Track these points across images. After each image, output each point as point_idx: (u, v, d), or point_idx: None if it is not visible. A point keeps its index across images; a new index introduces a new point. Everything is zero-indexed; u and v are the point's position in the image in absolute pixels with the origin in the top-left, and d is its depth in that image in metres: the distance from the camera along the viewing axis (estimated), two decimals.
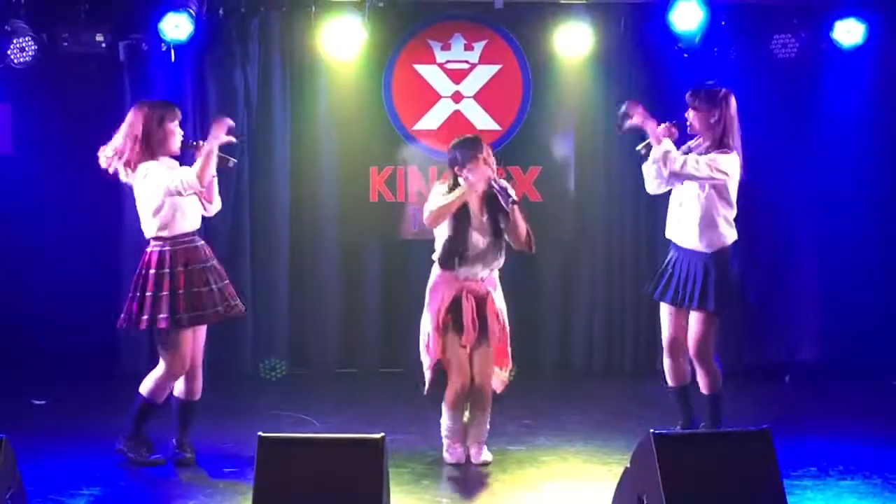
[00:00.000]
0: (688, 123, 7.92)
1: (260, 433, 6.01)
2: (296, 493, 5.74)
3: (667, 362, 8.12)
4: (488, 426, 7.87)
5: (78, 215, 10.29)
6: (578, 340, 10.86)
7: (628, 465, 6.30)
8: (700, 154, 7.80)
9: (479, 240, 7.75)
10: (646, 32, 10.35)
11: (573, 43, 10.10)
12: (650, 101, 10.38)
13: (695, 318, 7.85)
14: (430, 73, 10.66)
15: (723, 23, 10.08)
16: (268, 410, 9.26)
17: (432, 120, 10.66)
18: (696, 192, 7.81)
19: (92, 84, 10.22)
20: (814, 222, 10.67)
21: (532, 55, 10.64)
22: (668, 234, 8.08)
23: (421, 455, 7.97)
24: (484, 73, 10.68)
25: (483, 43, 10.66)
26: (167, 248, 7.54)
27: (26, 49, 9.65)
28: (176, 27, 9.70)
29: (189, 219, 7.62)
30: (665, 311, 8.03)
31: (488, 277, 7.84)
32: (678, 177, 7.76)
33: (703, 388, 7.99)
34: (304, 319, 10.78)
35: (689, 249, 7.87)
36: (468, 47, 10.67)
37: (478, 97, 10.68)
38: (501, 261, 7.88)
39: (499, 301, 7.88)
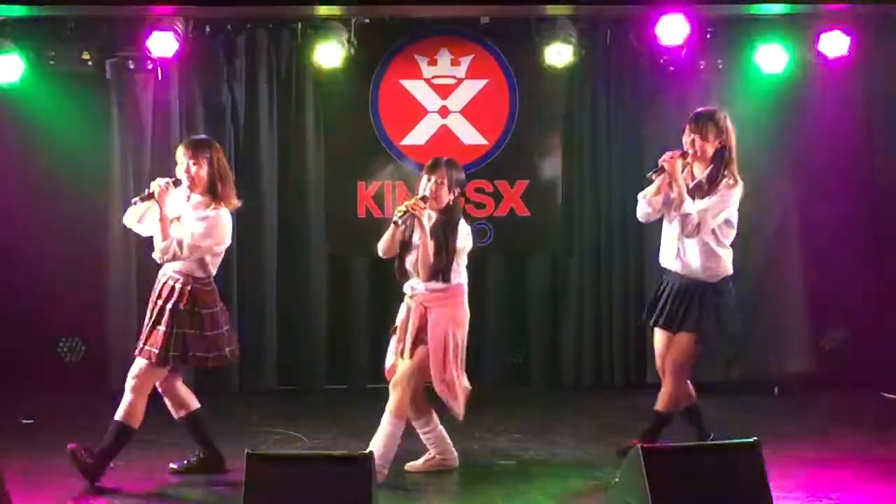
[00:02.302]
0: (689, 149, 7.86)
1: (248, 450, 6.00)
2: None
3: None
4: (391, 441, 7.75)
5: (64, 234, 10.28)
6: (568, 354, 10.86)
7: (617, 479, 6.31)
8: (702, 184, 7.78)
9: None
10: (631, 46, 10.36)
11: (559, 57, 10.11)
12: (636, 114, 10.49)
13: (681, 339, 7.84)
14: (417, 89, 10.67)
15: (708, 35, 10.11)
16: (256, 427, 9.25)
17: (419, 135, 10.67)
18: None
19: (78, 102, 10.21)
20: (802, 234, 10.66)
21: (518, 69, 10.65)
22: (664, 263, 8.04)
23: (407, 471, 7.95)
24: (471, 88, 10.69)
25: (469, 58, 10.67)
26: None
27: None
28: (162, 45, 9.71)
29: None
30: (659, 337, 8.02)
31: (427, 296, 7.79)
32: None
33: (659, 402, 7.96)
34: (293, 335, 10.76)
35: (687, 277, 7.87)
36: (455, 62, 10.68)
37: (465, 112, 10.69)
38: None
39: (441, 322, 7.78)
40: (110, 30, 10.04)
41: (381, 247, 7.83)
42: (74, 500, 7.32)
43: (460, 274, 7.83)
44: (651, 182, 7.93)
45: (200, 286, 7.63)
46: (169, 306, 7.57)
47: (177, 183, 7.60)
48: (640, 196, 8.02)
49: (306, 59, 10.32)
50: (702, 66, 10.31)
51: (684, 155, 7.84)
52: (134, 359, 7.65)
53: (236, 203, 7.81)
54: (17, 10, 9.65)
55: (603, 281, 10.78)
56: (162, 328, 7.54)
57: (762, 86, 10.36)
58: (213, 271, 7.75)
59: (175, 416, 7.88)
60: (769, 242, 10.70)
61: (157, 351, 7.51)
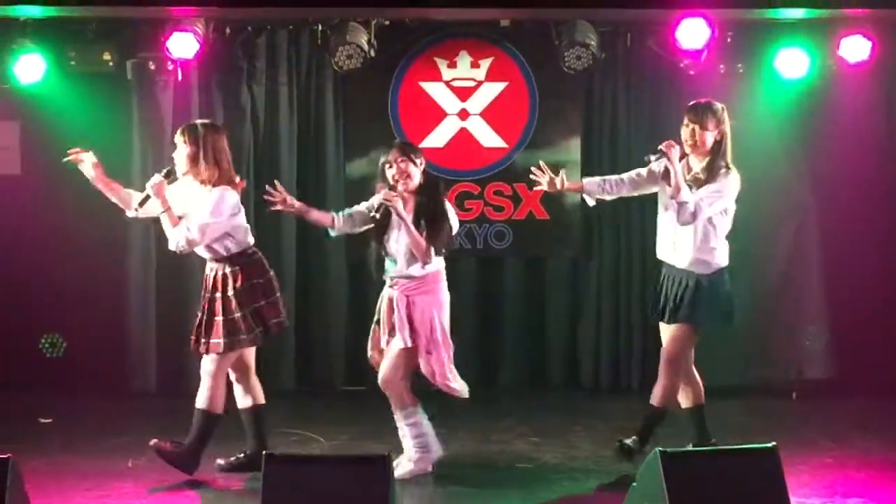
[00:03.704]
0: (686, 140, 7.82)
1: (266, 451, 6.00)
2: None
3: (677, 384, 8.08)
4: (406, 437, 7.83)
5: (86, 235, 10.31)
6: (585, 357, 10.86)
7: (635, 483, 6.30)
8: (698, 176, 7.76)
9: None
10: (651, 49, 10.35)
11: (579, 60, 10.08)
12: (656, 118, 10.47)
13: (674, 330, 7.82)
14: (437, 91, 10.68)
15: (728, 39, 10.09)
16: (274, 428, 9.25)
17: (439, 137, 10.68)
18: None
19: (99, 102, 10.24)
20: (822, 239, 10.64)
21: (538, 72, 10.65)
22: (661, 255, 8.03)
23: (426, 472, 7.95)
24: (490, 91, 10.69)
25: (489, 60, 10.67)
26: None
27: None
28: (182, 46, 9.74)
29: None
30: (663, 329, 8.01)
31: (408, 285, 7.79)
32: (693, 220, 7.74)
33: (654, 397, 7.94)
34: (311, 337, 10.79)
35: (683, 269, 7.84)
36: (474, 65, 10.68)
37: (484, 114, 10.69)
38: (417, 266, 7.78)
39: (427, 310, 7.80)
40: (131, 31, 10.08)
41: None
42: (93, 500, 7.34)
43: (438, 261, 7.80)
44: (648, 164, 7.92)
45: (245, 261, 7.68)
46: (219, 295, 7.63)
47: (168, 174, 7.63)
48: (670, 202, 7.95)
49: (326, 60, 10.33)
50: (722, 71, 10.28)
51: (680, 143, 7.82)
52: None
53: (239, 182, 7.81)
54: (39, 11, 9.69)
55: (622, 284, 10.77)
56: (219, 318, 7.60)
57: (782, 90, 10.35)
58: (250, 241, 7.78)
59: (239, 405, 7.93)
60: (789, 247, 10.69)
61: (221, 341, 7.58)
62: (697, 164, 7.83)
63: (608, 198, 8.18)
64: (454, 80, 10.68)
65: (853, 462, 8.18)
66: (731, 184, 7.74)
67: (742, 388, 10.52)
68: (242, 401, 7.94)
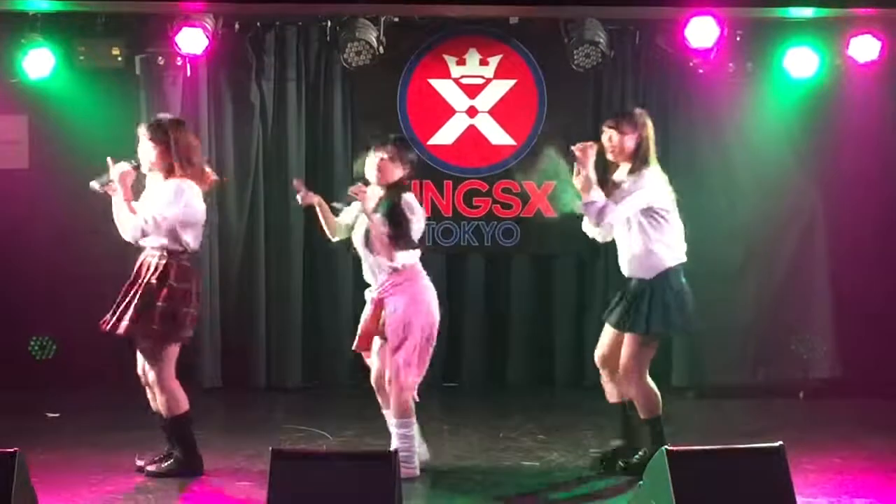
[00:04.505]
0: (607, 143, 7.75)
1: (273, 447, 6.01)
2: None
3: (602, 378, 8.05)
4: (398, 439, 7.74)
5: (93, 229, 10.31)
6: (592, 355, 10.82)
7: (641, 482, 6.30)
8: (623, 181, 7.72)
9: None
10: (661, 47, 10.34)
11: (588, 58, 10.07)
12: (665, 116, 10.47)
13: (628, 339, 7.76)
14: (446, 88, 10.68)
15: (738, 38, 10.08)
16: (281, 424, 9.27)
17: (447, 135, 10.68)
18: (622, 224, 7.73)
19: (108, 98, 10.25)
20: (829, 238, 10.63)
21: (547, 70, 10.64)
22: (622, 269, 7.96)
23: (433, 470, 7.95)
24: (499, 88, 10.69)
25: (498, 58, 10.67)
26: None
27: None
28: (191, 41, 9.74)
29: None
30: (606, 329, 7.95)
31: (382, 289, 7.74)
32: (612, 222, 7.68)
33: (640, 412, 7.89)
34: (318, 333, 10.79)
35: (634, 277, 7.78)
36: (483, 62, 10.68)
37: (493, 112, 10.69)
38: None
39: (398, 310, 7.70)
40: (140, 26, 10.08)
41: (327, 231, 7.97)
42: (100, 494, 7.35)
43: (409, 258, 7.70)
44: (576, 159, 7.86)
45: (175, 260, 7.57)
46: (143, 280, 7.56)
47: (136, 167, 7.59)
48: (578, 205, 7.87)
49: (335, 57, 10.34)
50: (731, 70, 10.27)
51: (601, 147, 7.74)
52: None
53: (209, 177, 7.74)
54: (49, 6, 9.69)
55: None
56: (136, 302, 7.51)
57: (792, 89, 10.33)
58: (194, 246, 7.65)
59: (153, 406, 7.83)
60: (796, 246, 10.68)
61: (127, 324, 7.51)
62: (622, 169, 7.81)
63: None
64: (463, 77, 10.68)
65: (860, 462, 8.17)
66: (646, 180, 7.65)
67: (749, 387, 10.51)
68: (155, 404, 7.80)
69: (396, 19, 10.24)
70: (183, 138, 7.62)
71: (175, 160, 7.55)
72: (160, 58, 10.15)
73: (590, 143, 7.69)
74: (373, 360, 7.89)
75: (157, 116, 7.86)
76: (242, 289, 10.69)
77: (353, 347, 7.97)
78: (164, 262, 7.55)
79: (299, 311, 10.71)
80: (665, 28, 10.18)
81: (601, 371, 8.02)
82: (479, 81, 10.69)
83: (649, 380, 7.82)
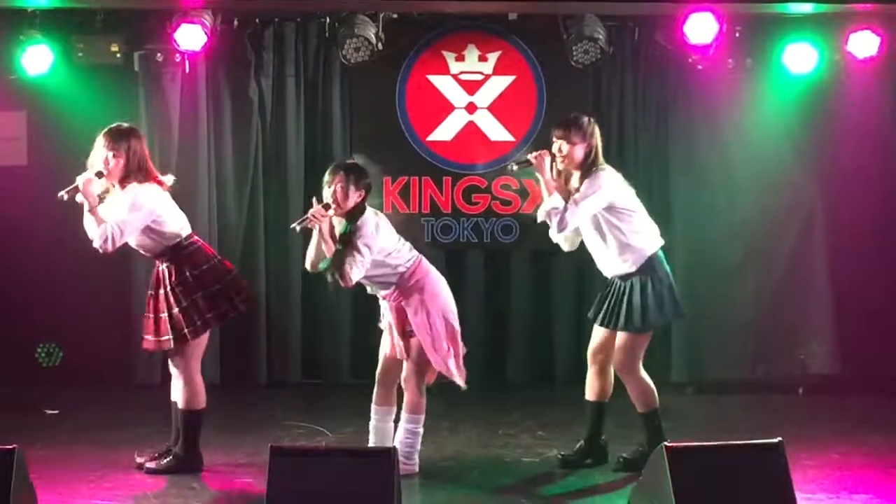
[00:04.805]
0: (558, 153, 7.70)
1: (272, 444, 6.01)
2: None
3: (588, 374, 8.01)
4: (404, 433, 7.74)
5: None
6: None
7: (640, 477, 6.30)
8: (577, 188, 7.66)
9: None
10: (660, 43, 10.34)
11: (587, 54, 10.07)
12: (664, 113, 10.47)
13: (620, 336, 7.74)
14: (445, 84, 10.67)
15: (737, 34, 10.07)
16: (280, 421, 9.27)
17: (446, 131, 10.68)
18: (591, 228, 7.71)
19: (106, 94, 10.24)
20: (828, 234, 10.63)
21: (546, 66, 10.64)
22: (603, 272, 7.92)
23: (433, 466, 7.95)
24: (498, 84, 10.69)
25: (497, 54, 10.66)
26: None
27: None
28: (190, 38, 9.74)
29: None
30: (596, 328, 7.92)
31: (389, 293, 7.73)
32: (573, 225, 7.64)
33: (637, 406, 7.90)
34: (317, 330, 10.79)
35: (617, 274, 7.73)
36: (482, 58, 10.68)
37: (492, 108, 10.68)
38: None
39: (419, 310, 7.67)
40: (139, 22, 10.10)
41: (308, 260, 7.79)
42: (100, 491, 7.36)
43: (405, 256, 7.65)
44: (513, 171, 7.88)
45: (180, 253, 7.59)
46: (161, 291, 7.58)
47: (100, 175, 7.55)
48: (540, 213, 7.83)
49: (334, 53, 10.33)
50: (730, 65, 10.28)
51: (553, 156, 7.72)
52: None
53: (164, 180, 7.65)
54: (47, 2, 9.70)
55: None
56: (163, 315, 7.55)
57: (791, 85, 10.34)
58: (183, 232, 7.63)
59: (173, 397, 7.83)
60: (795, 242, 10.69)
61: (169, 337, 7.53)
62: (575, 177, 7.78)
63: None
64: (462, 73, 10.68)
65: (859, 458, 8.17)
66: (602, 180, 7.62)
67: (748, 383, 10.52)
68: (176, 394, 7.81)
69: (395, 15, 10.24)
70: (139, 148, 7.57)
71: (132, 170, 7.51)
72: (159, 54, 10.17)
73: (544, 151, 7.70)
74: (380, 355, 7.87)
75: (115, 125, 7.77)
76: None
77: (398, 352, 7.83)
78: (173, 263, 7.57)
79: (299, 308, 10.71)
80: (664, 24, 10.18)
81: (590, 366, 7.98)
82: (478, 77, 10.68)
83: (644, 373, 7.82)
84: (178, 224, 7.66)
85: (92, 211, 7.48)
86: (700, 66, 10.25)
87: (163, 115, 10.40)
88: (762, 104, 10.43)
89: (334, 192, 7.56)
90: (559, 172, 7.79)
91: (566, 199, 7.63)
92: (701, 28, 9.75)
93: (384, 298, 7.73)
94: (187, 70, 10.28)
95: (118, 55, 10.04)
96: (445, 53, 10.67)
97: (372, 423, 7.83)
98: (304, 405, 9.93)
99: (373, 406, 7.84)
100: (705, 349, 10.60)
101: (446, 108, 10.68)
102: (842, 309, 10.63)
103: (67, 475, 7.56)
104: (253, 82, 10.58)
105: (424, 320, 7.62)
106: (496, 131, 10.69)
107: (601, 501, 7.32)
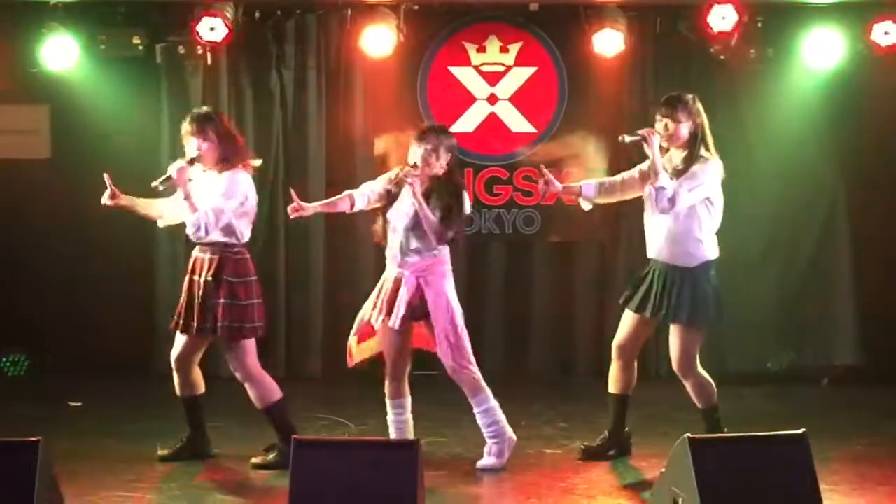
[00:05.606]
0: (663, 132, 7.63)
1: (295, 436, 6.01)
2: (330, 496, 5.74)
3: (614, 367, 7.98)
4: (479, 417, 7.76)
5: (115, 218, 10.31)
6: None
7: (664, 469, 6.29)
8: (678, 167, 7.63)
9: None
10: (682, 34, 10.31)
11: (608, 45, 10.06)
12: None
13: (674, 332, 7.67)
14: (466, 76, 10.66)
15: (759, 24, 10.04)
16: (302, 413, 9.27)
17: (468, 122, 10.66)
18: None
19: (129, 87, 10.27)
20: (851, 225, 10.60)
21: (567, 57, 10.62)
22: (650, 253, 7.82)
23: (456, 458, 7.96)
24: (519, 76, 10.67)
25: (518, 45, 10.65)
26: None
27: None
28: (212, 30, 9.75)
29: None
30: (629, 318, 7.85)
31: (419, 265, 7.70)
32: (681, 207, 7.55)
33: (697, 402, 7.84)
34: (339, 322, 10.77)
35: (669, 263, 7.67)
36: (503, 49, 10.66)
37: (513, 99, 10.67)
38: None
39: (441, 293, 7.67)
40: (161, 15, 10.12)
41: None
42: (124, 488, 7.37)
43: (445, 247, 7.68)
44: (624, 143, 7.77)
45: (230, 254, 7.60)
46: (197, 279, 7.61)
47: (192, 161, 7.58)
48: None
49: (355, 45, 10.32)
50: (752, 56, 10.24)
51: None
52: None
53: (254, 163, 7.77)
54: None
55: None
56: (197, 301, 7.58)
57: (813, 75, 10.30)
58: (245, 237, 7.67)
59: (178, 392, 7.85)
60: (818, 233, 10.66)
61: (193, 323, 7.58)
62: (678, 156, 7.72)
63: (603, 201, 8.08)
64: (483, 64, 10.67)
65: (884, 450, 8.16)
66: (709, 171, 7.56)
67: (771, 374, 10.49)
68: (181, 390, 7.83)
69: (416, 7, 10.25)
70: (225, 129, 7.64)
71: (224, 152, 7.56)
72: (181, 47, 10.18)
73: (651, 129, 7.60)
74: (385, 353, 7.83)
75: (194, 111, 7.81)
76: (262, 277, 10.65)
77: (362, 330, 7.92)
78: (217, 257, 7.58)
79: (320, 299, 10.72)
80: (686, 14, 10.17)
81: (614, 360, 7.93)
82: (500, 69, 10.67)
83: (702, 370, 7.75)
84: (249, 224, 7.72)
85: (187, 199, 7.49)
86: (722, 57, 10.21)
87: (185, 108, 10.37)
88: (784, 94, 10.39)
89: (424, 152, 7.55)
90: (665, 151, 7.69)
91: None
92: (723, 18, 9.72)
93: (404, 268, 7.66)
94: (209, 62, 10.28)
95: (140, 48, 10.06)
96: (467, 45, 10.66)
97: (390, 418, 7.82)
98: (326, 397, 9.92)
99: (387, 401, 7.84)
100: (727, 340, 10.57)
101: (468, 99, 10.67)
102: (866, 299, 10.59)
103: (91, 467, 7.59)
104: (274, 74, 10.59)
105: (445, 305, 7.60)
106: (518, 123, 10.68)
107: (625, 493, 7.31)
